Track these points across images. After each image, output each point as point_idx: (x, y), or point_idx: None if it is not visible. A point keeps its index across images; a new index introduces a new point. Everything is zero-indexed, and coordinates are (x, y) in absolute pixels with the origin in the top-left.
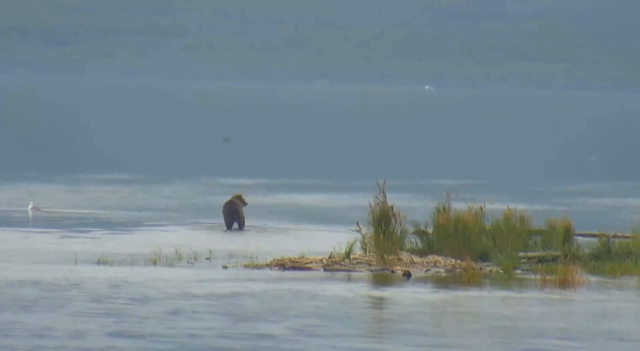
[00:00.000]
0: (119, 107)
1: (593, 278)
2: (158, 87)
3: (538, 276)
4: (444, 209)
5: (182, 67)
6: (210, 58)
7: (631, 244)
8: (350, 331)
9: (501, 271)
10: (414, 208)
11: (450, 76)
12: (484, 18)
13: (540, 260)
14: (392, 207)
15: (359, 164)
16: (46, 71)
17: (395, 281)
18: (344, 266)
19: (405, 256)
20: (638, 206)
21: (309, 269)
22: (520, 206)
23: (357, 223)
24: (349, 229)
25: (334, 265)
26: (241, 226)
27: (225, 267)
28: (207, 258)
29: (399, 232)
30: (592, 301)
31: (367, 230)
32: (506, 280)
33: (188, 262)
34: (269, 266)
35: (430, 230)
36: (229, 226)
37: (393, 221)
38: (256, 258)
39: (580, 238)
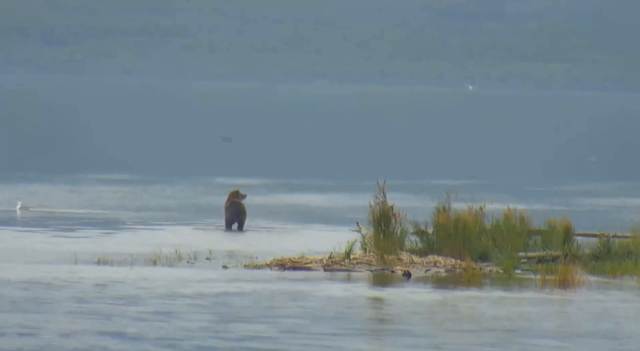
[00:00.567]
0: (119, 107)
1: (593, 278)
2: (158, 87)
3: (538, 276)
4: (444, 209)
5: (182, 67)
6: (210, 58)
7: (631, 244)
8: (350, 331)
9: (501, 271)
10: (414, 208)
11: (450, 76)
12: (484, 18)
13: (540, 260)
14: (392, 207)
15: (359, 164)
16: (46, 71)
17: (395, 281)
18: (344, 266)
19: (405, 256)
20: (638, 206)
21: (309, 269)
22: (520, 206)
23: (357, 223)
24: (349, 229)
25: (334, 265)
26: (241, 227)
27: (225, 267)
28: (207, 258)
29: (399, 232)
30: (592, 301)
31: (367, 230)
32: (506, 280)
33: (188, 262)
34: (269, 266)
35: (430, 230)
36: (229, 226)
37: (393, 221)
38: (256, 258)
39: (580, 238)
